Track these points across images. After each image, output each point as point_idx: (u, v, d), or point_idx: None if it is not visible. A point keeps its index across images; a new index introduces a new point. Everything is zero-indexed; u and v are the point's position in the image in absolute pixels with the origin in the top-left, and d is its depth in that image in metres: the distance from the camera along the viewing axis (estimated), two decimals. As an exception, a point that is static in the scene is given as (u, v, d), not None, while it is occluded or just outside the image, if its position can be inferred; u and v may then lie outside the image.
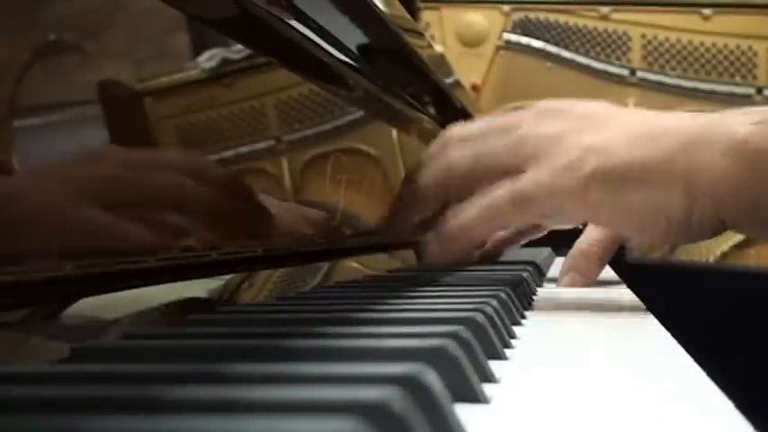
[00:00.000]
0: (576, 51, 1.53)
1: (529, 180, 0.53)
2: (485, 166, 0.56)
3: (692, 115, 0.52)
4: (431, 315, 0.39)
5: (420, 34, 0.78)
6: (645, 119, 0.53)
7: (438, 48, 1.19)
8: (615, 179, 0.51)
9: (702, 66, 1.52)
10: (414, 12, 1.49)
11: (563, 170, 0.52)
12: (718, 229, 0.51)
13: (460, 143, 0.57)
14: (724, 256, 1.47)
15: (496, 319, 0.38)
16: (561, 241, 0.86)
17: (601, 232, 0.71)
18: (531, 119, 0.56)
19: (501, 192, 0.54)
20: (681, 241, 0.54)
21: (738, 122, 0.50)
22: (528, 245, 0.86)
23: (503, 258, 0.84)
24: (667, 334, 0.44)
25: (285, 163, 0.54)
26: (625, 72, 1.53)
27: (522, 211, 0.53)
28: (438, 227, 0.57)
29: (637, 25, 1.53)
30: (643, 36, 1.53)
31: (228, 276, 0.46)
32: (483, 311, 0.36)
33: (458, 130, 0.59)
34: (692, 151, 0.49)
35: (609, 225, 0.57)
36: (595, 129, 0.53)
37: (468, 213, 0.55)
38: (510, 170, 0.54)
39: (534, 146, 0.53)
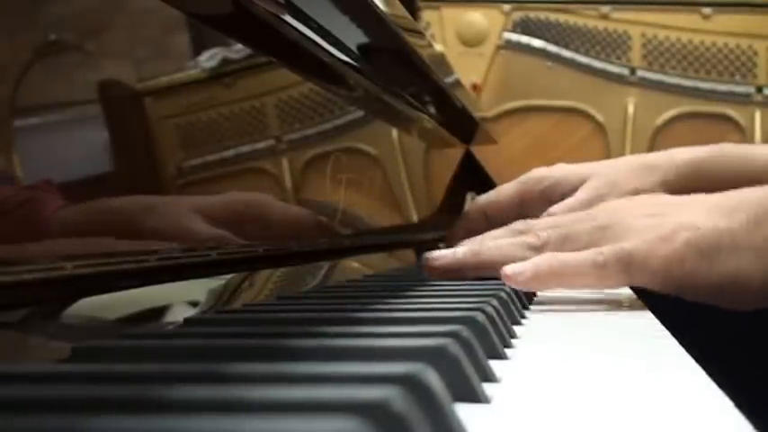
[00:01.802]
0: (577, 51, 1.53)
1: (632, 245, 0.54)
2: (575, 244, 0.57)
3: (761, 188, 0.56)
4: (431, 315, 0.39)
5: (420, 34, 0.78)
6: (713, 198, 0.57)
7: (438, 47, 1.19)
8: (708, 247, 0.53)
9: (702, 65, 1.52)
10: (414, 11, 1.49)
11: (659, 241, 0.54)
12: None
13: (542, 230, 0.59)
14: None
15: (497, 318, 0.38)
16: None
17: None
18: (607, 212, 0.60)
19: (607, 249, 0.54)
20: (755, 306, 0.55)
21: None
22: None
23: None
24: (667, 333, 0.44)
25: (285, 163, 0.54)
26: (625, 71, 1.53)
27: (626, 272, 0.54)
28: (540, 257, 0.55)
29: (637, 24, 1.53)
30: (643, 35, 1.53)
31: (228, 276, 0.45)
32: (483, 311, 0.36)
33: (534, 221, 0.62)
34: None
35: (701, 295, 0.55)
36: (672, 212, 0.56)
37: (571, 258, 0.55)
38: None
39: (622, 229, 0.56)
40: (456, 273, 0.60)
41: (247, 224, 0.47)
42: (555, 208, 0.70)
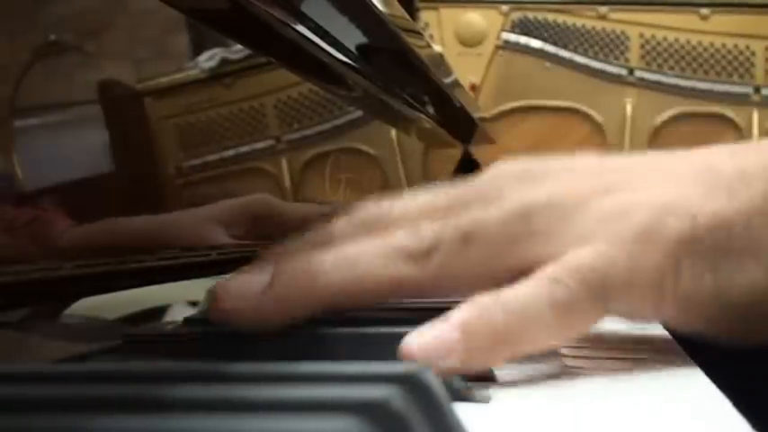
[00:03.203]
0: (575, 51, 1.53)
1: (596, 254, 0.32)
2: (482, 247, 0.33)
3: (755, 148, 0.35)
4: (431, 314, 0.39)
5: (419, 34, 0.78)
6: (691, 162, 0.35)
7: (437, 47, 1.19)
8: (713, 248, 0.32)
9: (700, 65, 1.52)
10: (412, 12, 1.49)
11: (640, 240, 0.32)
12: None
13: (414, 217, 0.34)
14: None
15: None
16: None
17: None
18: (514, 184, 0.34)
19: (562, 268, 0.31)
20: None
21: None
22: None
23: None
24: (666, 333, 0.44)
25: (285, 163, 0.54)
26: (623, 71, 1.53)
27: (603, 303, 0.32)
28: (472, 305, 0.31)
29: (635, 25, 1.54)
30: (641, 35, 1.53)
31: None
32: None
33: (399, 201, 0.35)
34: None
35: (702, 326, 0.34)
36: (631, 184, 0.34)
37: (521, 298, 0.31)
38: (518, 262, 0.32)
39: (555, 216, 0.33)
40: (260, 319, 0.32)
41: (254, 225, 0.47)
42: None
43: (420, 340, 0.29)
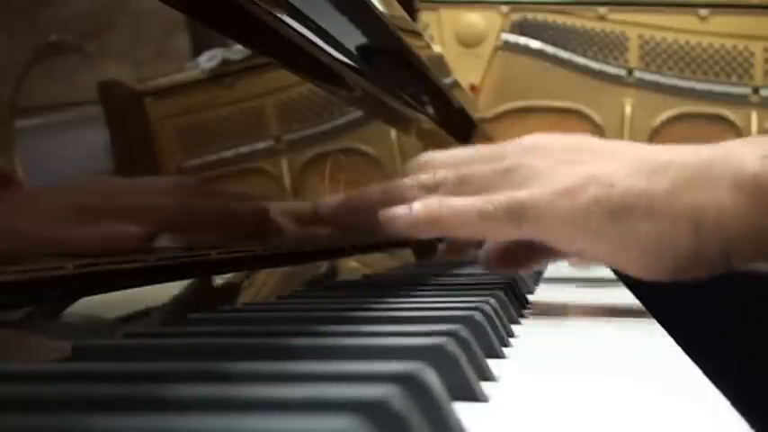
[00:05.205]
0: (574, 52, 1.54)
1: (527, 195, 0.49)
2: (473, 187, 0.51)
3: (694, 148, 0.50)
4: (430, 314, 0.39)
5: (418, 35, 0.78)
6: (642, 152, 0.50)
7: (436, 48, 1.19)
8: (619, 208, 0.48)
9: (699, 66, 1.53)
10: (412, 12, 1.50)
11: (563, 194, 0.48)
12: (722, 266, 0.49)
13: (443, 167, 0.53)
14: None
15: (495, 317, 0.38)
16: None
17: None
18: (518, 152, 0.52)
19: (498, 197, 0.49)
20: (682, 277, 0.49)
21: (747, 156, 0.47)
22: None
23: None
24: (665, 333, 0.44)
25: (285, 163, 0.54)
26: (622, 72, 1.53)
27: (517, 224, 0.49)
28: (423, 201, 0.50)
29: (634, 26, 1.54)
30: (640, 36, 1.54)
31: (228, 276, 0.46)
32: (482, 310, 0.37)
33: (438, 154, 0.55)
34: (697, 185, 0.47)
35: (607, 257, 0.50)
36: (590, 161, 0.50)
37: (458, 204, 0.49)
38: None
39: (526, 174, 0.50)
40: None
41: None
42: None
43: (389, 212, 0.50)
